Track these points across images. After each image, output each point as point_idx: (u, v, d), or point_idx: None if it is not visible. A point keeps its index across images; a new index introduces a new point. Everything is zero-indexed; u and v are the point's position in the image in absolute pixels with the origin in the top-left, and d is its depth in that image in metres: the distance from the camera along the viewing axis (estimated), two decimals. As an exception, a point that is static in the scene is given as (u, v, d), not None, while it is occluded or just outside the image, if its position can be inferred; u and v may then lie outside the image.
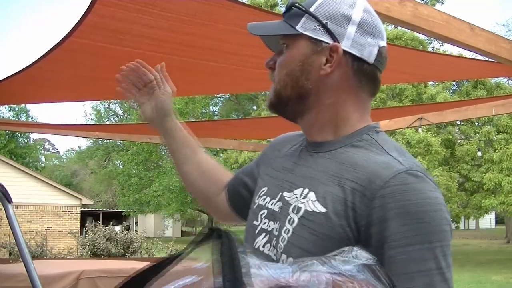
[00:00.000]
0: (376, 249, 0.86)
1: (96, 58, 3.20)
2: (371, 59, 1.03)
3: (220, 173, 1.38)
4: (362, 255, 0.78)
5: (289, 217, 0.99)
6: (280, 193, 1.06)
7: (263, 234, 1.05)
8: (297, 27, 1.04)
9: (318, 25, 1.02)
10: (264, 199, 1.10)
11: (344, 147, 1.02)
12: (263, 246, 1.04)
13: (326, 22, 1.02)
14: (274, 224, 1.04)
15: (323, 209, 0.94)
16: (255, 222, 1.10)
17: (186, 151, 1.35)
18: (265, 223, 1.06)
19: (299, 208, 0.98)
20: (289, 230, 0.98)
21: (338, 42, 1.01)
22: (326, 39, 1.02)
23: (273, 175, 1.14)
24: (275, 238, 1.01)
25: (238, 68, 3.33)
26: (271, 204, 1.07)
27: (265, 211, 1.08)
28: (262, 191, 1.13)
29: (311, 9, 1.04)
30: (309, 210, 0.96)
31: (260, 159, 1.28)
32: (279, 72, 1.07)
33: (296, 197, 1.01)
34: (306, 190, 0.99)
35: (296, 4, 1.05)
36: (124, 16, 2.53)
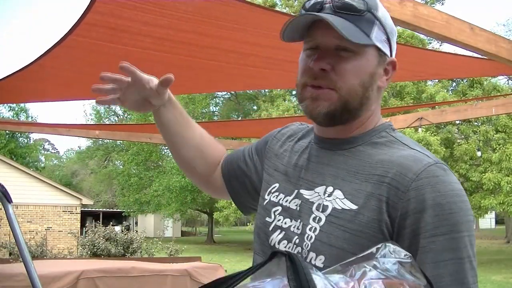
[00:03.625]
0: (410, 239, 0.90)
1: (96, 56, 3.20)
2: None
3: (214, 150, 1.37)
4: (398, 251, 0.79)
5: (313, 216, 1.00)
6: (296, 191, 1.06)
7: (278, 231, 1.06)
8: (372, 37, 1.00)
9: (385, 38, 1.03)
10: (277, 195, 1.10)
11: (363, 144, 1.04)
12: (278, 243, 1.05)
13: (390, 36, 1.05)
14: (292, 221, 1.04)
15: (353, 206, 0.96)
16: (267, 219, 1.10)
17: (177, 139, 1.32)
18: (279, 220, 1.07)
19: (325, 206, 0.99)
20: (315, 229, 0.98)
21: (392, 56, 1.06)
22: (388, 52, 1.05)
23: (283, 171, 1.13)
24: (297, 237, 1.01)
25: (237, 66, 3.34)
26: (286, 202, 1.07)
27: (279, 208, 1.08)
28: (273, 188, 1.13)
29: (379, 16, 1.02)
30: (338, 208, 0.97)
31: (262, 148, 1.26)
32: (348, 81, 1.00)
33: (319, 195, 1.01)
34: (330, 188, 1.00)
35: (373, 11, 1.00)
36: (124, 14, 2.53)
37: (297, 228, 1.02)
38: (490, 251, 22.24)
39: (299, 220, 1.02)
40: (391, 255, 0.78)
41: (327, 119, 1.03)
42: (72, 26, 2.55)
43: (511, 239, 25.86)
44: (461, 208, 0.91)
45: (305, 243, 0.99)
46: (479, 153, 16.92)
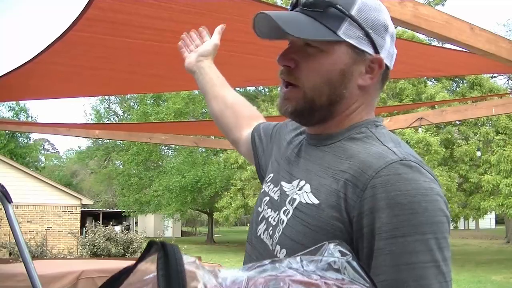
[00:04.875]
0: (367, 240, 0.85)
1: (97, 49, 3.20)
2: (392, 65, 1.05)
3: (246, 110, 1.46)
4: (337, 251, 0.73)
5: (284, 208, 1.01)
6: (281, 182, 1.07)
7: (264, 222, 1.07)
8: (339, 33, 0.96)
9: (362, 34, 0.97)
10: (269, 186, 1.12)
11: (342, 140, 1.01)
12: (263, 234, 1.06)
13: (369, 32, 0.98)
14: (271, 212, 1.06)
15: (316, 201, 0.93)
16: (259, 209, 1.12)
17: (214, 88, 1.46)
18: (265, 209, 1.09)
19: (294, 200, 0.99)
20: (283, 221, 0.99)
21: (379, 53, 1.00)
22: (369, 49, 0.99)
23: (279, 163, 1.15)
24: (271, 228, 1.03)
25: (236, 55, 3.34)
26: (273, 192, 1.09)
27: (268, 198, 1.10)
28: (269, 177, 1.15)
29: (353, 13, 0.96)
30: (303, 201, 0.96)
31: (275, 133, 1.29)
32: (313, 79, 0.98)
33: (294, 188, 1.02)
34: (303, 182, 1.00)
35: (338, 6, 0.95)
36: (124, 8, 2.54)
37: (274, 220, 1.04)
38: (490, 251, 22.24)
39: (276, 212, 1.03)
40: (325, 255, 0.72)
41: (295, 118, 1.04)
42: (73, 22, 2.56)
43: (511, 239, 25.86)
44: (426, 208, 0.84)
45: (275, 235, 1.00)
46: (478, 153, 16.93)
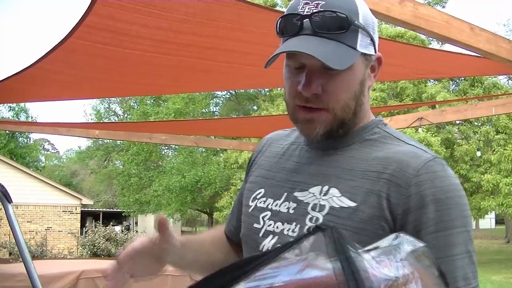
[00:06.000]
0: (412, 236, 0.87)
1: (96, 59, 3.20)
2: None
3: (222, 247, 1.27)
4: (412, 240, 0.76)
5: (309, 216, 0.98)
6: (286, 194, 1.04)
7: (270, 236, 1.03)
8: (358, 48, 0.97)
9: (369, 39, 1.00)
10: (264, 201, 1.08)
11: (356, 142, 1.03)
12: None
13: (372, 35, 1.01)
14: (285, 225, 1.01)
15: (352, 204, 0.95)
16: (256, 225, 1.07)
17: (194, 267, 1.26)
18: (270, 225, 1.04)
19: (322, 206, 0.97)
20: None
21: (376, 51, 1.03)
22: (372, 51, 1.02)
23: (268, 176, 1.11)
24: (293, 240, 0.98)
25: (237, 65, 3.34)
26: (276, 206, 1.05)
27: (268, 213, 1.05)
28: (258, 193, 1.10)
29: (361, 22, 0.97)
30: (336, 206, 0.96)
31: (253, 163, 1.23)
32: (341, 98, 0.98)
33: (314, 195, 1.00)
34: (326, 187, 0.99)
35: (356, 23, 0.96)
36: (123, 16, 2.53)
37: (292, 231, 1.00)
38: (490, 251, 22.23)
39: (294, 223, 1.00)
40: (406, 244, 0.75)
41: (325, 138, 1.02)
42: (72, 28, 2.55)
43: (511, 239, 25.85)
44: (458, 203, 0.92)
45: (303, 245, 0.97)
46: (479, 153, 16.91)
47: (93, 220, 25.56)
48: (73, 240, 18.70)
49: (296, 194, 1.03)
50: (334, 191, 0.98)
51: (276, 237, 1.02)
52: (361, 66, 1.00)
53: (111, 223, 18.50)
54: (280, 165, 1.11)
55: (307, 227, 0.97)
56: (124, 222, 32.46)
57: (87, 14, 2.37)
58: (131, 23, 2.63)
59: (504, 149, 16.36)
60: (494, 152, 16.77)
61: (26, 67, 3.20)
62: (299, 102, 1.00)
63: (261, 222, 1.06)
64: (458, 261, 0.89)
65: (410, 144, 1.00)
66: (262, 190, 1.10)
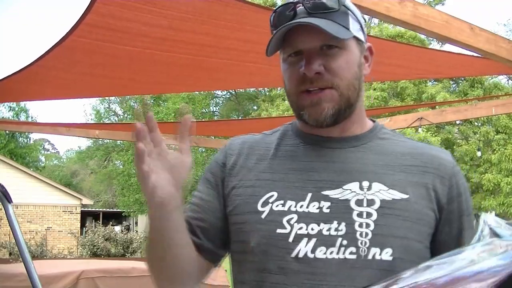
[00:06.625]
0: (457, 222, 1.03)
1: (96, 57, 3.20)
2: None
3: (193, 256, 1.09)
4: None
5: (356, 212, 0.96)
6: (311, 194, 0.99)
7: (305, 240, 0.96)
8: (351, 29, 1.00)
9: (359, 26, 1.04)
10: (283, 204, 1.00)
11: (373, 140, 1.07)
12: (312, 252, 0.95)
13: (362, 23, 1.05)
14: (321, 225, 0.96)
15: (404, 196, 0.98)
16: (280, 231, 0.97)
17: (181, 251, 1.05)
18: (301, 228, 0.97)
19: (371, 201, 0.97)
20: (368, 224, 0.95)
21: (366, 41, 1.07)
22: (363, 38, 1.05)
23: (275, 179, 1.04)
24: (341, 238, 0.95)
25: (237, 64, 3.34)
26: (301, 207, 0.98)
27: (294, 215, 0.98)
28: (270, 197, 1.01)
29: (350, 8, 1.02)
30: (388, 199, 0.97)
31: (218, 173, 1.11)
32: (345, 76, 1.00)
33: (353, 191, 0.98)
34: (366, 183, 0.99)
35: (346, 4, 1.00)
36: (124, 14, 2.53)
37: (336, 230, 0.95)
38: (490, 251, 22.22)
39: (335, 221, 0.96)
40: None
41: (334, 119, 1.01)
42: (73, 26, 2.55)
43: (511, 239, 25.85)
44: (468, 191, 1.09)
45: (360, 241, 0.94)
46: (479, 153, 16.92)
47: (93, 220, 25.57)
48: (73, 240, 18.71)
49: (326, 192, 0.99)
50: (379, 186, 0.99)
51: (314, 239, 0.96)
52: (356, 50, 1.03)
53: (111, 223, 18.49)
54: (285, 166, 1.05)
55: (357, 223, 0.95)
56: (124, 222, 32.46)
57: (87, 12, 2.38)
58: (131, 21, 2.63)
59: (505, 149, 16.37)
60: (495, 152, 16.77)
61: (27, 65, 3.20)
62: (303, 87, 1.00)
63: (287, 226, 0.97)
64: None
65: (415, 142, 1.10)
66: (275, 193, 1.02)
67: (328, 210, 0.97)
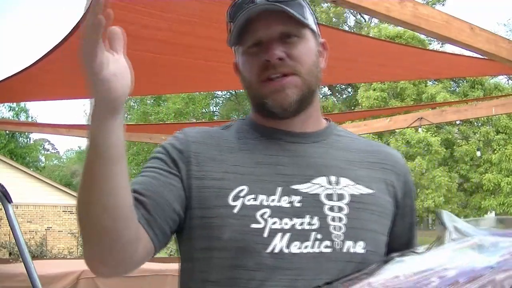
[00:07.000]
0: (410, 215, 1.11)
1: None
2: None
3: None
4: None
5: (327, 206, 0.97)
6: (281, 188, 0.97)
7: (280, 234, 0.94)
8: (307, 21, 1.03)
9: (314, 19, 1.06)
10: (255, 198, 0.96)
11: (331, 136, 1.09)
12: (287, 247, 0.94)
13: (315, 17, 1.07)
14: (294, 219, 0.95)
15: (370, 191, 1.02)
16: (255, 226, 0.94)
17: (118, 180, 0.86)
18: (275, 222, 0.94)
19: (340, 195, 0.99)
20: (340, 218, 0.97)
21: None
22: (318, 32, 1.07)
23: (244, 172, 0.99)
24: (315, 232, 0.95)
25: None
26: (273, 202, 0.96)
27: (267, 210, 0.95)
28: (240, 191, 0.97)
29: (306, 2, 1.05)
30: (356, 193, 1.01)
31: (178, 158, 1.01)
32: (306, 62, 1.01)
33: (321, 186, 0.99)
34: (334, 178, 1.01)
35: None
36: (123, 16, 2.53)
37: (309, 224, 0.95)
38: (490, 251, 22.21)
39: (307, 216, 0.96)
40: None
41: (298, 106, 1.01)
42: (72, 29, 2.55)
43: (511, 239, 25.83)
44: None
45: (334, 234, 0.95)
46: (478, 153, 16.92)
47: (93, 220, 25.53)
48: (73, 240, 18.70)
49: (295, 186, 0.98)
50: (346, 180, 1.01)
51: (288, 234, 0.94)
52: (313, 41, 1.05)
53: (111, 223, 18.45)
54: (251, 160, 1.01)
55: (329, 216, 0.96)
56: (124, 222, 32.44)
57: (87, 13, 2.37)
58: (131, 23, 2.63)
59: (505, 149, 16.37)
60: (495, 152, 16.78)
61: (27, 67, 3.20)
62: (266, 74, 1.00)
63: (262, 221, 0.94)
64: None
65: (366, 139, 1.18)
66: (245, 187, 0.97)
67: (299, 204, 0.97)
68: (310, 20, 1.04)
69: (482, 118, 16.30)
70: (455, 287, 0.64)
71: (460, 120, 15.66)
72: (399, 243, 1.06)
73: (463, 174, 18.05)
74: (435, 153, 16.86)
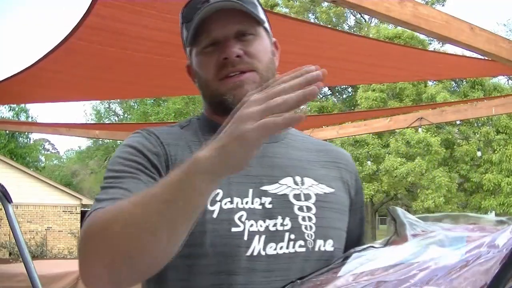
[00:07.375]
0: (360, 212, 1.14)
1: (96, 59, 3.20)
2: None
3: None
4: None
5: (297, 206, 0.98)
6: (252, 189, 0.97)
7: (257, 237, 0.93)
8: (261, 17, 1.04)
9: (266, 18, 1.07)
10: (230, 201, 0.95)
11: (287, 136, 1.09)
12: (264, 249, 0.94)
13: (267, 19, 1.07)
14: (267, 221, 0.95)
15: (331, 190, 1.05)
16: (235, 229, 0.93)
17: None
18: (252, 225, 0.94)
19: (307, 195, 1.01)
20: (310, 218, 0.98)
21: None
22: (270, 31, 1.09)
23: None
24: (288, 233, 0.95)
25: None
26: (246, 204, 0.95)
27: (243, 213, 0.94)
28: (217, 195, 0.95)
29: (259, 1, 1.06)
30: (321, 193, 1.03)
31: (160, 160, 0.98)
32: (263, 59, 1.02)
33: (288, 186, 1.00)
34: (298, 178, 1.02)
35: None
36: (124, 17, 2.53)
37: (282, 225, 0.95)
38: (490, 251, 22.20)
39: (279, 217, 0.96)
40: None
41: None
42: (73, 28, 2.55)
43: (511, 240, 25.82)
44: None
45: (306, 234, 0.97)
46: (479, 153, 16.94)
47: (93, 220, 25.53)
48: (73, 240, 18.70)
49: (264, 188, 0.98)
50: (310, 180, 1.03)
51: (264, 236, 0.94)
52: (267, 39, 1.06)
53: (111, 223, 18.45)
54: None
55: (300, 216, 0.97)
56: (124, 222, 32.43)
57: (87, 15, 2.37)
58: (132, 24, 2.63)
59: (506, 149, 16.38)
60: (496, 152, 16.78)
61: (27, 67, 3.20)
62: (224, 72, 0.99)
63: (240, 224, 0.93)
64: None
65: (314, 138, 1.21)
66: (220, 191, 0.95)
67: (270, 206, 0.97)
68: (262, 19, 1.04)
69: (482, 118, 16.30)
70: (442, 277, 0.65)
71: (460, 120, 15.66)
72: (351, 239, 1.07)
73: (463, 174, 18.05)
74: (435, 153, 16.87)
